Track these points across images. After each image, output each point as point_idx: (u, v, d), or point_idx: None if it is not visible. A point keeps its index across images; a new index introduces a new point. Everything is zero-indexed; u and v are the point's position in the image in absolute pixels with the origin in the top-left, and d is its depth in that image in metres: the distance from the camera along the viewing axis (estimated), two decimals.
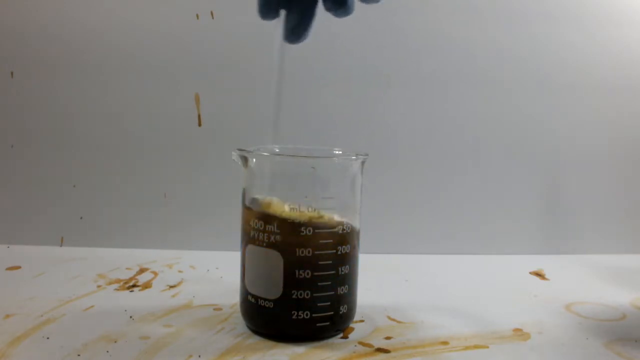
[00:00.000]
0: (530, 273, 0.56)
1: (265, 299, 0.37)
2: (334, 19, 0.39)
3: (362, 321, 0.42)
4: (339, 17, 0.37)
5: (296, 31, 0.38)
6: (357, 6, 0.37)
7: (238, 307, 0.41)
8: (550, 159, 0.64)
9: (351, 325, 0.41)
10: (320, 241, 0.37)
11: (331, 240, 0.37)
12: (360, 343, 0.38)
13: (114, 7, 0.59)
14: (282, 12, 0.38)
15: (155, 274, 0.52)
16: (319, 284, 0.37)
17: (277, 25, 0.38)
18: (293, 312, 0.37)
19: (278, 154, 0.41)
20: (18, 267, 0.52)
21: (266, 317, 0.37)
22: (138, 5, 0.59)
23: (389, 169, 0.61)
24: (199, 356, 0.35)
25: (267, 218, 0.37)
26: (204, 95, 0.60)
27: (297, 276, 0.36)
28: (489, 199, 0.63)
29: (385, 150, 0.61)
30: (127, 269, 0.53)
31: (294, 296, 0.36)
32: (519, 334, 0.40)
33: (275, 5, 0.38)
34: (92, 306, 0.43)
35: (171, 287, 0.48)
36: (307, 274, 0.36)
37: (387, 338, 0.39)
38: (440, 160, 0.62)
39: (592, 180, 0.64)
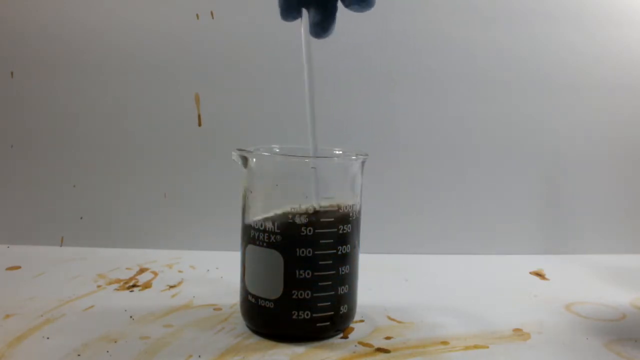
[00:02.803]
0: (530, 273, 0.56)
1: (265, 299, 0.37)
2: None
3: (362, 321, 0.42)
4: (361, 12, 0.37)
5: (324, 25, 0.37)
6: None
7: (238, 307, 0.41)
8: (550, 159, 0.64)
9: (351, 325, 0.41)
10: (321, 241, 0.37)
11: (331, 240, 0.37)
12: (360, 343, 0.38)
13: (114, 7, 0.59)
14: (304, 11, 0.38)
15: (155, 274, 0.52)
16: (320, 284, 0.37)
17: (301, 23, 0.38)
18: (293, 312, 0.37)
19: (278, 154, 0.41)
20: (18, 267, 0.52)
21: (266, 317, 0.37)
22: (138, 5, 0.59)
23: (389, 169, 0.61)
24: (199, 356, 0.35)
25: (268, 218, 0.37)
26: (204, 95, 0.60)
27: (297, 276, 0.36)
28: (489, 199, 0.63)
29: (385, 150, 0.61)
30: (127, 269, 0.53)
31: (294, 296, 0.36)
32: (519, 334, 0.40)
33: (296, 5, 0.37)
34: (92, 306, 0.43)
35: (171, 287, 0.48)
36: (308, 274, 0.36)
37: (387, 338, 0.39)
38: (440, 160, 0.62)
39: (592, 180, 0.64)
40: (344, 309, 0.38)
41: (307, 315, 0.37)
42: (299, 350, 0.36)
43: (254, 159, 0.38)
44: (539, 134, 0.63)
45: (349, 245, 0.38)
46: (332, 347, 0.37)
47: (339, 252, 0.37)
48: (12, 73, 0.59)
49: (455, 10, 0.61)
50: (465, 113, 0.62)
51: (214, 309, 0.43)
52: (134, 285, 0.48)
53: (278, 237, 0.36)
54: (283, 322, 0.37)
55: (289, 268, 0.36)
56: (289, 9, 0.37)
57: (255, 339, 0.38)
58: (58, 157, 0.60)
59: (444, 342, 0.38)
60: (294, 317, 0.37)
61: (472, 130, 0.62)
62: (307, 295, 0.37)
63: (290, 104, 0.59)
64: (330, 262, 0.37)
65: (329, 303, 0.37)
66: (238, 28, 0.60)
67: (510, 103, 0.63)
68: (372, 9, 0.39)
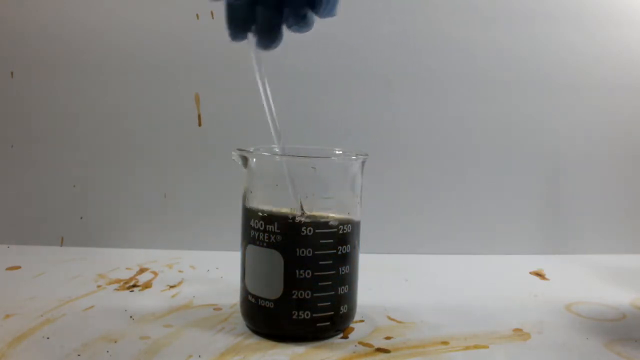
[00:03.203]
0: (530, 273, 0.56)
1: (265, 299, 0.37)
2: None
3: (362, 321, 0.42)
4: (301, 33, 0.38)
5: (269, 47, 0.39)
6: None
7: (238, 307, 0.41)
8: (550, 159, 0.64)
9: (351, 325, 0.41)
10: (321, 241, 0.37)
11: (331, 240, 0.37)
12: (360, 343, 0.38)
13: (114, 7, 0.59)
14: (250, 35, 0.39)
15: (155, 274, 0.52)
16: (320, 284, 0.37)
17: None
18: (293, 312, 0.37)
19: (278, 154, 0.41)
20: (18, 267, 0.52)
21: (266, 317, 0.37)
22: (138, 5, 0.59)
23: (389, 169, 0.61)
24: (199, 356, 0.35)
25: (268, 218, 0.37)
26: (204, 95, 0.60)
27: (297, 276, 0.36)
28: (489, 199, 0.63)
29: (385, 150, 0.61)
30: (127, 269, 0.53)
31: (294, 296, 0.36)
32: (519, 334, 0.40)
33: (242, 30, 0.39)
34: (92, 306, 0.43)
35: (171, 287, 0.48)
36: (308, 274, 0.36)
37: (387, 338, 0.39)
38: (441, 160, 0.62)
39: (592, 180, 0.64)
40: (344, 309, 0.38)
41: (307, 315, 0.37)
42: (299, 350, 0.36)
43: (254, 159, 0.38)
44: (539, 134, 0.63)
45: (349, 245, 0.38)
46: (332, 347, 0.37)
47: (339, 252, 0.37)
48: (12, 73, 0.59)
49: (455, 10, 0.61)
50: (465, 113, 0.62)
51: (214, 309, 0.43)
52: (134, 285, 0.48)
53: (278, 237, 0.36)
54: (283, 322, 0.37)
55: (289, 268, 0.36)
56: (236, 32, 0.39)
57: (255, 339, 0.38)
58: (58, 157, 0.60)
59: (444, 342, 0.38)
60: (294, 317, 0.37)
61: (472, 130, 0.62)
62: (307, 295, 0.37)
63: (290, 104, 0.59)
64: (330, 262, 0.37)
65: (329, 303, 0.37)
66: None
67: (510, 103, 0.63)
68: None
